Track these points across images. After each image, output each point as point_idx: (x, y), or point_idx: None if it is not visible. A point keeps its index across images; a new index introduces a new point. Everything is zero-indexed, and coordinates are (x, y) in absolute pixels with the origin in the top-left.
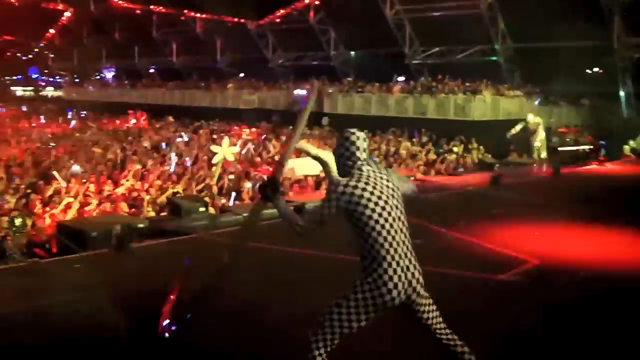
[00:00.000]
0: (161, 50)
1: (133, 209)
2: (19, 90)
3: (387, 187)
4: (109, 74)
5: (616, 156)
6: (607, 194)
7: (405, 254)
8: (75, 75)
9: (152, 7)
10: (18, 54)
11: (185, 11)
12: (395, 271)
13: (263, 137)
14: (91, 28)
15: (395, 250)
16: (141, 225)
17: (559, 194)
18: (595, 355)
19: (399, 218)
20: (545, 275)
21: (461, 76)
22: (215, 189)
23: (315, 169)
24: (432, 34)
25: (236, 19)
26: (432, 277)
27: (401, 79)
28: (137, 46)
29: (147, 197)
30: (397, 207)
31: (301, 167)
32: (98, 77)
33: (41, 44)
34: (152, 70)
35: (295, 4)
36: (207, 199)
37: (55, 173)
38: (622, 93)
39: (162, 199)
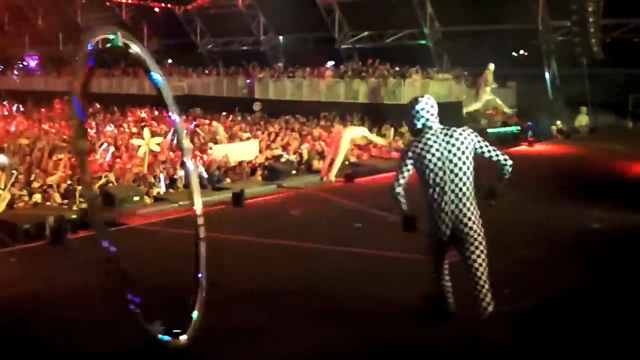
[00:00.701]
0: None
1: (65, 200)
2: None
3: (447, 144)
4: (33, 62)
5: (544, 137)
6: (539, 173)
7: (452, 201)
8: None
9: None
10: None
11: None
12: (440, 214)
13: (193, 124)
14: (12, 15)
15: (442, 197)
16: (74, 217)
17: (492, 175)
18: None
19: (452, 171)
20: None
21: (391, 60)
22: (150, 178)
23: (249, 154)
24: (361, 19)
25: (163, 4)
26: (372, 259)
27: (331, 63)
28: (62, 33)
29: (79, 188)
30: (452, 162)
31: (235, 153)
32: (21, 65)
33: None
34: (77, 58)
35: None
36: (141, 187)
37: None
38: (547, 75)
39: (94, 188)
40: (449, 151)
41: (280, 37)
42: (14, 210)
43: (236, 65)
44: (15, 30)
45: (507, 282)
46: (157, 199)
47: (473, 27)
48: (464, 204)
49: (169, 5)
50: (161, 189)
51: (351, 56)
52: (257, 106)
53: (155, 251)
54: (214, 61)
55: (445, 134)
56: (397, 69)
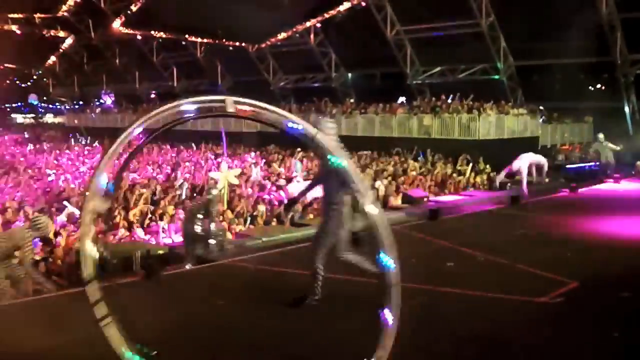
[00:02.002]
0: (161, 74)
1: (148, 236)
2: (19, 118)
3: None
4: (109, 100)
5: (627, 173)
6: (630, 210)
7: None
8: (74, 102)
9: (152, 32)
10: (17, 81)
11: (186, 36)
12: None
13: (263, 161)
14: (91, 54)
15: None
16: (161, 252)
17: (582, 212)
18: None
19: None
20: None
21: (463, 95)
22: (230, 214)
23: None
24: (433, 54)
25: (236, 43)
26: (470, 299)
27: (403, 99)
28: (138, 71)
29: (162, 223)
30: None
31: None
32: (98, 102)
33: (40, 71)
34: (152, 95)
35: (296, 27)
36: (224, 224)
37: (65, 202)
38: (627, 109)
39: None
40: None
41: (351, 74)
42: (103, 245)
43: (307, 101)
44: (93, 68)
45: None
46: (239, 235)
47: (547, 61)
48: None
49: (242, 44)
50: (244, 225)
51: (422, 91)
52: None
53: (247, 286)
54: (285, 98)
55: None
56: (471, 103)
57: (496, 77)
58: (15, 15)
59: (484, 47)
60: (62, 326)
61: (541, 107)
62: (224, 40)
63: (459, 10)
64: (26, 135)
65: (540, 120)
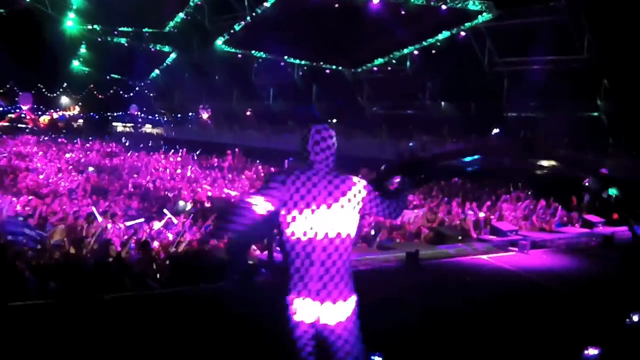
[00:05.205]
0: (259, 94)
1: None
2: (119, 126)
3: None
4: (205, 115)
5: None
6: None
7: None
8: (173, 115)
9: (253, 52)
10: (121, 92)
11: (285, 57)
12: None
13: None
14: (193, 70)
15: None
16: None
17: None
18: None
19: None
20: None
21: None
22: None
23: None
24: (530, 88)
25: (334, 67)
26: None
27: (497, 131)
28: (236, 89)
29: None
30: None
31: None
32: (194, 117)
33: (143, 83)
34: (248, 113)
35: (393, 54)
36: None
37: (165, 210)
38: None
39: None
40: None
41: (444, 103)
42: (195, 251)
43: (400, 128)
44: (193, 84)
45: None
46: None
47: None
48: None
49: (340, 68)
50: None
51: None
52: None
53: None
54: (377, 124)
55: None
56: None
57: (596, 114)
58: (125, 29)
59: (586, 82)
60: None
61: None
62: (321, 63)
63: (562, 46)
64: (126, 143)
65: None
